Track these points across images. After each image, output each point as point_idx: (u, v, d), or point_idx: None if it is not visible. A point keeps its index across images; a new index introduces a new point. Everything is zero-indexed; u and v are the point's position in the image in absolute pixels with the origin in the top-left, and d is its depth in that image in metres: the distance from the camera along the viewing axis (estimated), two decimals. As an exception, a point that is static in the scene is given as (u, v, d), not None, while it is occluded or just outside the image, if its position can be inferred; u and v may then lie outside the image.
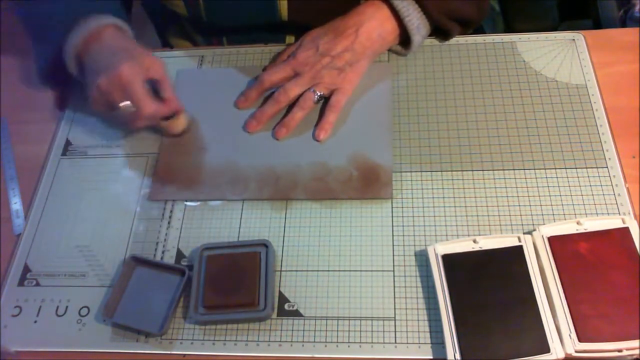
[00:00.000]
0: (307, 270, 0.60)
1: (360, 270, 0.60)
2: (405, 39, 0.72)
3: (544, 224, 0.59)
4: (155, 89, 0.65)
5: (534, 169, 0.63)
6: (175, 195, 0.66)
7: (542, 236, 0.57)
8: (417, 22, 0.69)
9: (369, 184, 0.64)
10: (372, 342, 0.56)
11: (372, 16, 0.70)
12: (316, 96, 0.69)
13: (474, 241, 0.58)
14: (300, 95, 0.69)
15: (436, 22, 0.70)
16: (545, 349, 0.51)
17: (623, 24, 0.97)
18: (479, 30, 1.02)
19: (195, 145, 0.70)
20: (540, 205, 0.61)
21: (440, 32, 0.73)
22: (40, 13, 0.69)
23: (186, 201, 0.66)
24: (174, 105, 0.66)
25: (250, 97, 0.71)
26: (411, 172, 0.65)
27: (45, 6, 0.68)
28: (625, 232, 0.57)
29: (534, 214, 0.61)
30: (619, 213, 0.60)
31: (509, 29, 0.97)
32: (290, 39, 0.81)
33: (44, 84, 0.75)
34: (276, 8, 0.76)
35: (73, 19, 0.65)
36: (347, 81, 0.69)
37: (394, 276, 0.59)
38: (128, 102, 0.63)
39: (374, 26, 0.70)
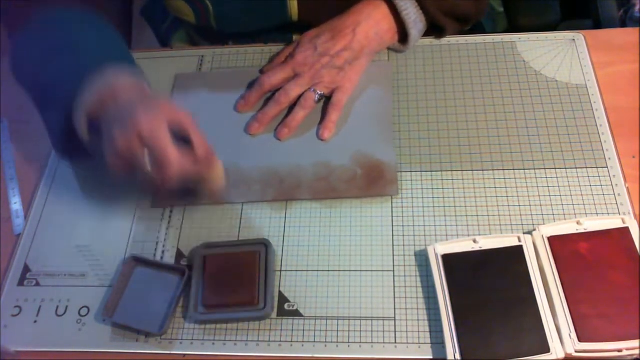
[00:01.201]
0: (307, 270, 0.60)
1: (360, 270, 0.60)
2: (402, 37, 0.72)
3: (544, 224, 0.59)
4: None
5: (534, 169, 0.63)
6: (178, 201, 0.66)
7: (542, 236, 0.57)
8: (414, 17, 0.70)
9: (373, 182, 0.64)
10: (372, 342, 0.56)
11: (370, 15, 0.70)
12: (317, 95, 0.69)
13: (474, 241, 0.58)
14: (301, 96, 0.69)
15: (432, 17, 0.71)
16: (545, 349, 0.51)
17: (623, 24, 0.97)
18: (480, 30, 1.02)
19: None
20: (540, 205, 0.61)
21: (436, 28, 0.74)
22: (47, 72, 0.60)
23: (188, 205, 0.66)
24: (206, 149, 0.56)
25: (250, 100, 0.71)
26: (411, 172, 0.65)
27: (51, 65, 0.60)
28: (625, 232, 0.57)
29: (534, 214, 0.61)
30: (619, 213, 0.60)
31: (512, 24, 0.97)
32: (297, 38, 0.81)
33: (67, 159, 0.66)
34: (287, 10, 0.76)
35: (85, 74, 0.56)
36: (347, 80, 0.69)
37: (394, 276, 0.59)
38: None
39: (371, 25, 0.70)
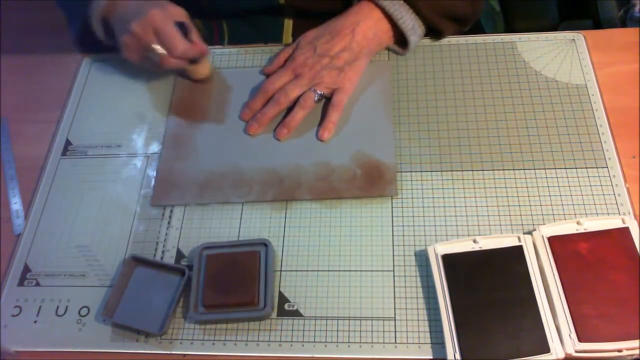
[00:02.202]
0: (307, 270, 0.60)
1: (360, 270, 0.60)
2: (402, 39, 0.72)
3: (544, 224, 0.59)
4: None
5: (534, 169, 0.63)
6: (178, 200, 0.66)
7: (542, 236, 0.57)
8: (411, 24, 0.71)
9: (373, 182, 0.64)
10: (372, 342, 0.56)
11: (367, 16, 0.71)
12: (316, 95, 0.69)
13: (474, 241, 0.58)
14: (301, 96, 0.69)
15: (429, 21, 0.71)
16: (545, 349, 0.51)
17: (623, 24, 0.97)
18: (479, 30, 1.02)
19: (197, 149, 0.70)
20: (540, 205, 0.61)
21: (434, 31, 0.74)
22: None
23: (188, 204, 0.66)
24: (201, 46, 0.69)
25: (255, 107, 0.71)
26: (411, 172, 0.65)
27: None
28: (625, 232, 0.57)
29: (534, 214, 0.61)
30: (619, 213, 0.60)
31: (509, 28, 0.97)
32: (288, 22, 0.81)
33: (82, 51, 0.81)
34: None
35: None
36: (347, 80, 0.70)
37: (394, 276, 0.59)
38: (158, 46, 0.66)
39: (369, 25, 0.71)
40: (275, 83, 0.70)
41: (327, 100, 0.70)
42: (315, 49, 0.70)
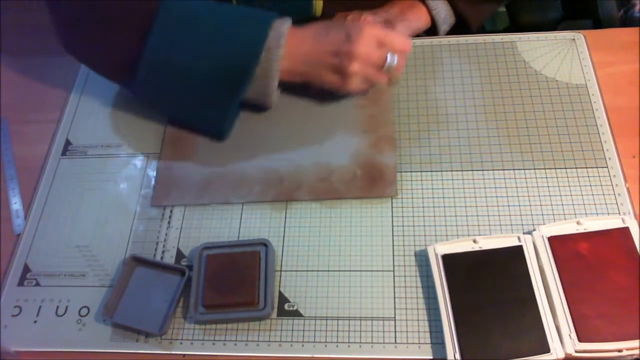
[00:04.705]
0: (307, 270, 0.60)
1: (360, 270, 0.60)
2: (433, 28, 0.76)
3: (544, 224, 0.59)
4: None
5: (534, 169, 0.63)
6: (178, 200, 0.66)
7: (542, 236, 0.57)
8: (444, 14, 0.74)
9: (373, 182, 0.64)
10: (372, 342, 0.56)
11: (413, 6, 0.75)
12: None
13: (474, 241, 0.58)
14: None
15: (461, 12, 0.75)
16: (545, 349, 0.51)
17: (623, 24, 0.97)
18: (479, 30, 1.01)
19: (197, 149, 0.70)
20: (540, 205, 0.61)
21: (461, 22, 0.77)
22: (202, 61, 0.60)
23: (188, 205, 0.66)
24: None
25: None
26: (411, 172, 0.65)
27: (204, 52, 0.59)
28: (625, 232, 0.57)
29: (534, 214, 0.61)
30: (619, 213, 0.60)
31: (513, 22, 0.97)
32: None
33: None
34: (311, 7, 0.75)
35: (246, 43, 0.59)
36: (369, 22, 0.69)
37: (394, 276, 0.59)
38: (394, 54, 0.61)
39: (411, 14, 0.74)
40: None
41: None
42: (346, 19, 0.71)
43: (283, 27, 0.60)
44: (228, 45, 0.59)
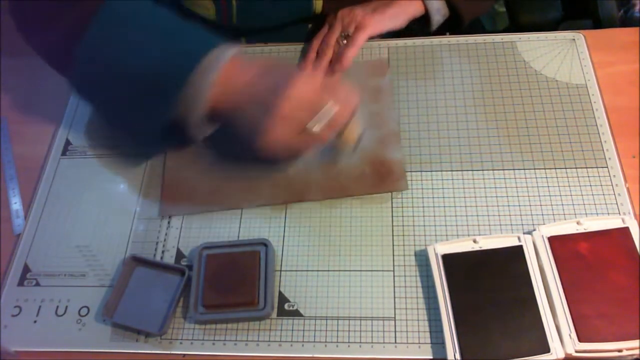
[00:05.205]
0: (307, 270, 0.60)
1: (360, 270, 0.60)
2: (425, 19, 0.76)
3: (544, 224, 0.59)
4: None
5: (534, 169, 0.63)
6: (186, 210, 0.65)
7: (542, 236, 0.57)
8: (437, 5, 0.74)
9: (382, 178, 0.64)
10: (372, 342, 0.56)
11: None
12: (340, 35, 0.71)
13: (474, 241, 0.58)
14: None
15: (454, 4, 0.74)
16: (545, 349, 0.51)
17: (623, 24, 0.97)
18: (479, 30, 1.02)
19: (201, 154, 0.69)
20: (540, 205, 0.61)
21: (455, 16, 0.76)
22: (131, 67, 0.54)
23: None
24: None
25: (307, 62, 0.72)
26: (411, 172, 0.65)
27: (135, 59, 0.54)
28: (625, 232, 0.57)
29: (534, 214, 0.61)
30: (619, 213, 0.60)
31: (513, 22, 0.97)
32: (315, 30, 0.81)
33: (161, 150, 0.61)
34: (311, 5, 0.76)
35: (185, 60, 0.53)
36: (370, 18, 0.71)
37: (394, 276, 0.59)
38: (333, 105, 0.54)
39: (406, 3, 0.74)
40: (317, 37, 0.73)
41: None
42: (353, 8, 0.72)
43: (227, 52, 0.54)
44: (165, 52, 0.54)
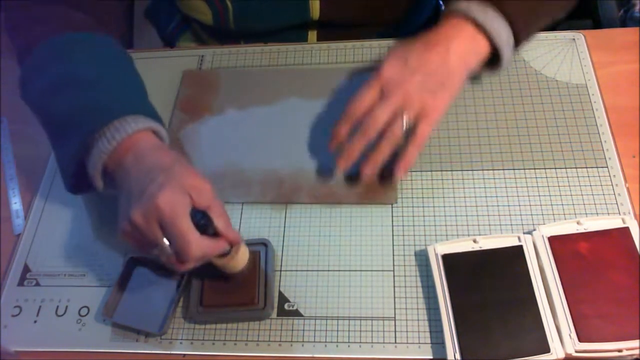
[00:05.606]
0: (307, 270, 0.60)
1: (360, 270, 0.60)
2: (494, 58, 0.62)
3: (544, 224, 0.59)
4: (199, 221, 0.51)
5: (534, 169, 0.63)
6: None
7: (542, 236, 0.57)
8: (505, 36, 0.60)
9: (373, 188, 0.64)
10: (372, 342, 0.56)
11: (461, 31, 0.60)
12: (405, 125, 0.59)
13: (474, 241, 0.58)
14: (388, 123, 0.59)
15: (520, 31, 0.60)
16: (545, 349, 0.51)
17: (623, 23, 0.97)
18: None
19: (198, 149, 0.70)
20: (540, 205, 0.61)
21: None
22: (57, 105, 0.56)
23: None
24: (231, 238, 0.53)
25: (340, 135, 0.60)
26: (411, 172, 0.65)
27: (62, 98, 0.56)
28: (625, 232, 0.57)
29: (534, 214, 0.61)
30: (619, 213, 0.60)
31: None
32: (312, 34, 0.80)
33: (78, 192, 0.59)
34: (308, 9, 0.75)
35: (102, 115, 0.53)
36: (435, 108, 0.59)
37: (394, 276, 0.59)
38: (167, 244, 0.50)
39: (465, 43, 0.60)
40: (361, 103, 0.59)
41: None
42: (406, 61, 0.59)
43: (137, 124, 0.54)
44: (78, 101, 0.55)
